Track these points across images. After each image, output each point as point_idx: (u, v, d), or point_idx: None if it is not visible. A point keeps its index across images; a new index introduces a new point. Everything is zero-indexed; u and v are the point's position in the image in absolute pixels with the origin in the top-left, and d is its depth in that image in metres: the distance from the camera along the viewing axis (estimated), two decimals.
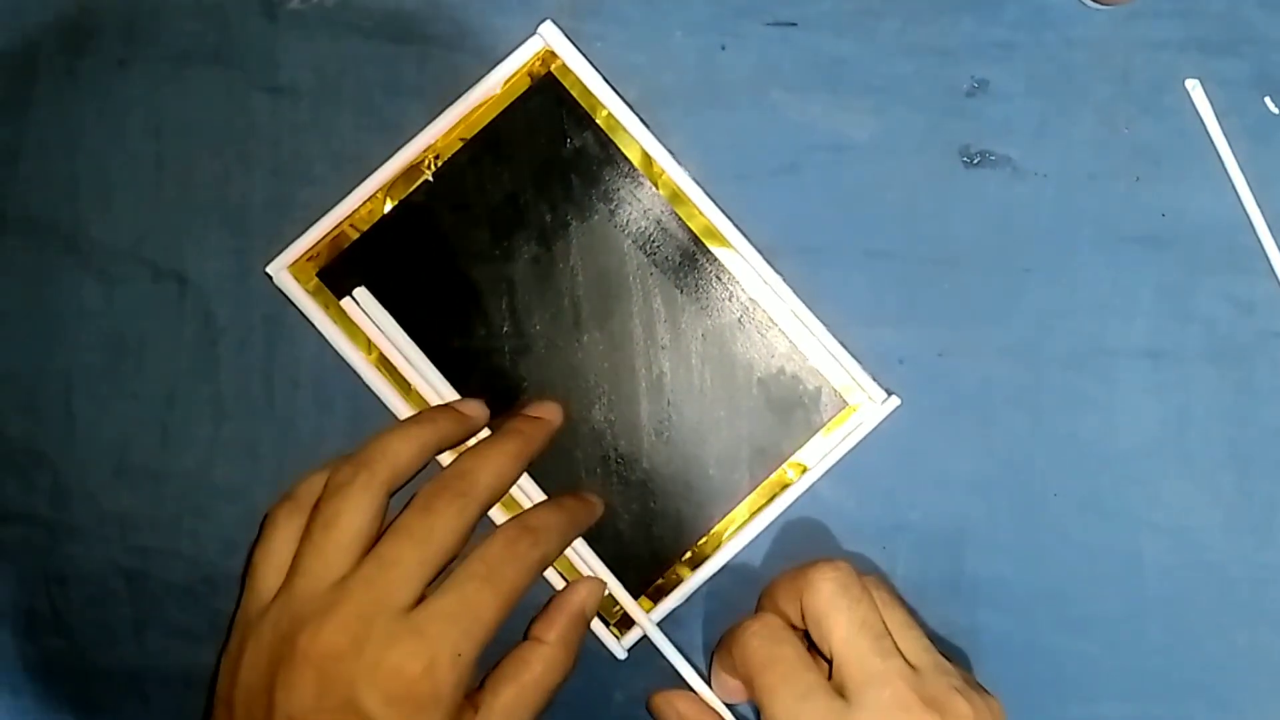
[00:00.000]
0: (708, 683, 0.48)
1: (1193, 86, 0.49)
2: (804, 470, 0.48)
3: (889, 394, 0.48)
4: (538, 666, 0.44)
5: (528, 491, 0.48)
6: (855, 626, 0.43)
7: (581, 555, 0.48)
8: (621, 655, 0.48)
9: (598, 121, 0.48)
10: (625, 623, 0.48)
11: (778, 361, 0.48)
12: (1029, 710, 0.49)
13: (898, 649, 0.43)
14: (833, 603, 0.43)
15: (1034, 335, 0.49)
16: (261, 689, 0.41)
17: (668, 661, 0.48)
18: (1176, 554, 0.49)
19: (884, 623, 0.43)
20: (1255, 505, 0.49)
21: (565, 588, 0.47)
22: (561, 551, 0.47)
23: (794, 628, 0.45)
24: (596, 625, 0.48)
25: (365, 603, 0.41)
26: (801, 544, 0.49)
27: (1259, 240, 0.49)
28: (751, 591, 0.49)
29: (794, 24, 0.49)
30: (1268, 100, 0.49)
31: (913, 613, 0.45)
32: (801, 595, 0.44)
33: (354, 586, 0.42)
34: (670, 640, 0.48)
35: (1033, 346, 0.49)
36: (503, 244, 0.48)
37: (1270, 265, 0.49)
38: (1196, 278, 0.49)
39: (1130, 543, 0.49)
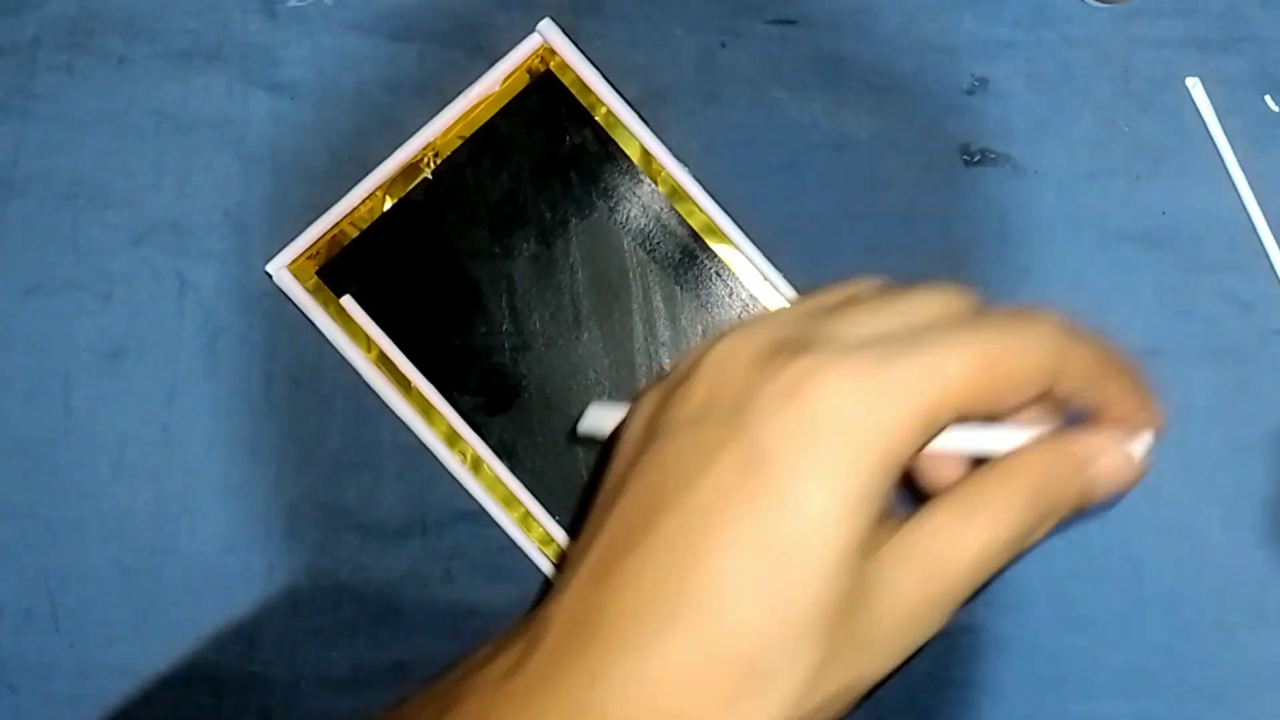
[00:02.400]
0: None
1: (1193, 85, 0.49)
2: None
3: None
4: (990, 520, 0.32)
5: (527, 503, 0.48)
6: None
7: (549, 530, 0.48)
8: None
9: (597, 119, 0.48)
10: None
11: None
12: (1029, 709, 0.49)
13: None
14: None
15: None
16: None
17: None
18: (1176, 554, 0.49)
19: None
20: (1255, 505, 0.49)
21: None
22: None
23: None
24: None
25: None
26: None
27: (1259, 239, 0.49)
28: None
29: (794, 22, 0.49)
30: (1268, 99, 0.49)
31: None
32: None
33: None
34: None
35: None
36: (502, 241, 0.48)
37: (1270, 264, 0.49)
38: (1196, 276, 0.49)
39: (1130, 543, 0.49)
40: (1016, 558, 0.33)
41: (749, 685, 0.30)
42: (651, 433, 0.34)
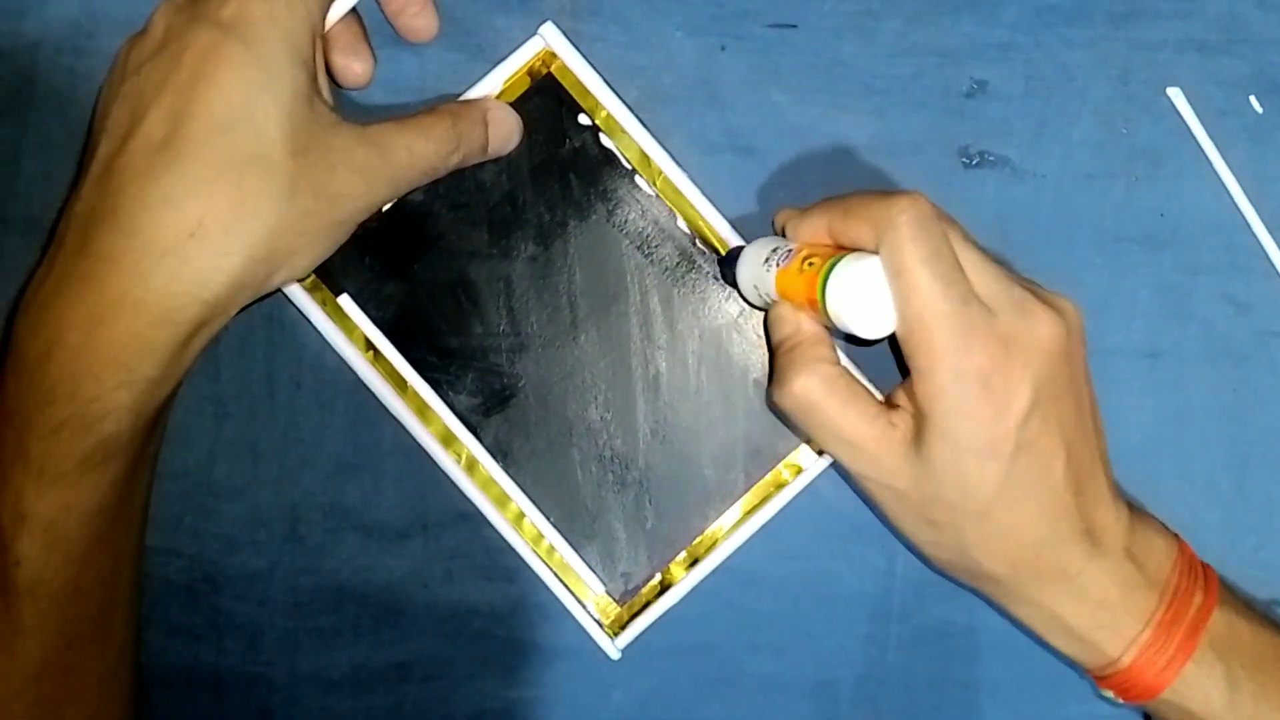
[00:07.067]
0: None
1: (1175, 94, 0.49)
2: (799, 471, 0.48)
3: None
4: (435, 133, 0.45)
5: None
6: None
7: (558, 549, 0.48)
8: (616, 656, 0.48)
9: (597, 122, 0.48)
10: (618, 623, 0.49)
11: None
12: (1028, 709, 0.49)
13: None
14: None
15: None
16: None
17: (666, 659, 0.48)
18: None
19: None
20: (1254, 505, 0.49)
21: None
22: None
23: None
24: (591, 627, 0.48)
25: None
26: (799, 544, 0.49)
27: (1257, 240, 0.49)
28: (749, 590, 0.49)
29: (794, 25, 0.49)
30: (1253, 99, 0.49)
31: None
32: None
33: None
34: (664, 642, 0.48)
35: None
36: (500, 243, 0.48)
37: (1269, 265, 0.49)
38: (1195, 277, 0.49)
39: None
40: (439, 174, 0.45)
41: (243, 195, 0.40)
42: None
